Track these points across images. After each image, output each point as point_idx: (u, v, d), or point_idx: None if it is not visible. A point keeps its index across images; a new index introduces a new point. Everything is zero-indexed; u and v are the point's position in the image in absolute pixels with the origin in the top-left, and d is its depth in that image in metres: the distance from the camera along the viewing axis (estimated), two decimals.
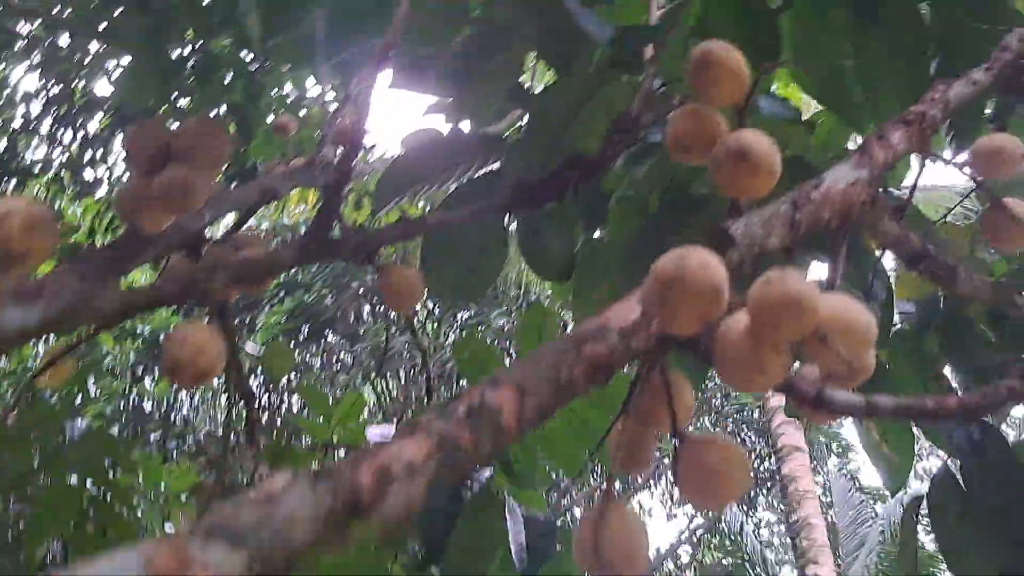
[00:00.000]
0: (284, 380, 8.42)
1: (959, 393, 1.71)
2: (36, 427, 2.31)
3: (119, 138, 5.83)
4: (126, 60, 4.16)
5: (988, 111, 1.71)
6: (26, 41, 4.97)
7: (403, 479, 0.50)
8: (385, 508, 0.48)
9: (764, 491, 12.22)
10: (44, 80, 5.38)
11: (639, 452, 0.88)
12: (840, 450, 12.81)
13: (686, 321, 0.66)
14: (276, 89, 4.29)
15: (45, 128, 5.58)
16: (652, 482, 12.83)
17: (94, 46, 5.20)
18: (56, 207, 6.14)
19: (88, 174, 5.69)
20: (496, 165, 1.59)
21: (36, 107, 5.55)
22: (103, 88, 5.49)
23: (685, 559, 13.07)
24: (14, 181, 5.41)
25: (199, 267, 1.07)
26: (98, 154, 5.67)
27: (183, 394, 8.45)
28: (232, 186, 3.43)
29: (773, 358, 0.68)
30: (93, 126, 5.61)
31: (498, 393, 0.59)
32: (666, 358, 0.79)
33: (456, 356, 2.05)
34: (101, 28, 3.44)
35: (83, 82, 5.42)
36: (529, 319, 1.85)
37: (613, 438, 0.88)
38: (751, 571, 9.36)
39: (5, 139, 5.56)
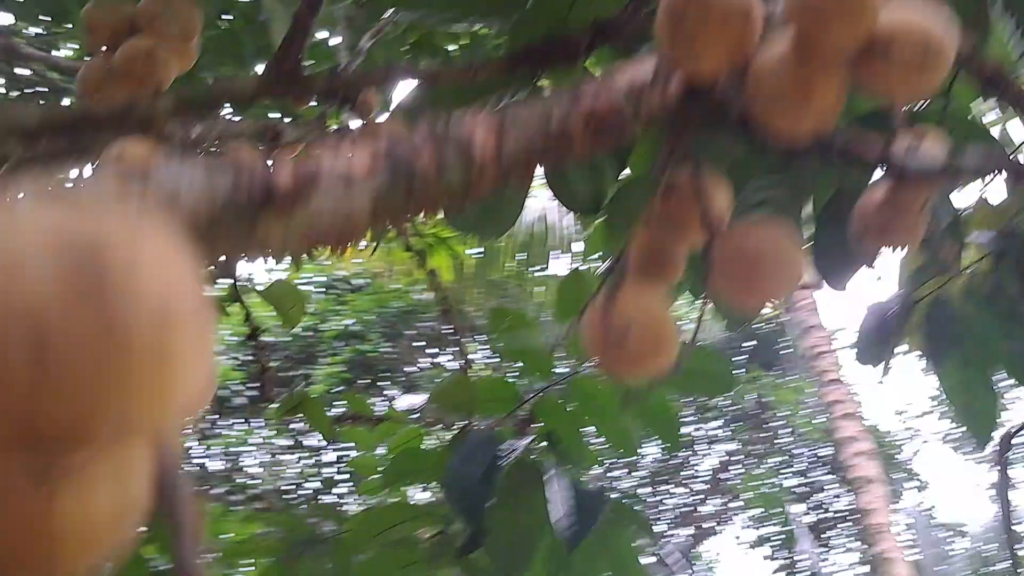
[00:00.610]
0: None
1: None
2: None
3: None
4: None
5: None
6: None
7: (334, 186, 0.44)
8: (311, 212, 0.42)
9: (839, 528, 11.82)
10: None
11: (664, 260, 0.73)
12: (917, 484, 12.38)
13: (709, 54, 0.52)
14: None
15: None
16: (721, 527, 12.54)
17: None
18: None
19: None
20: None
21: None
22: None
23: None
24: None
25: (142, 91, 0.94)
26: None
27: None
28: None
29: (822, 79, 0.53)
30: None
31: (468, 123, 0.50)
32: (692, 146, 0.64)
33: (493, 326, 1.93)
34: None
35: None
36: (567, 285, 1.70)
37: (634, 244, 0.73)
38: None
39: None
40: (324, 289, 9.67)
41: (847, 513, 11.05)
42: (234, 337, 9.62)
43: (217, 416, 8.25)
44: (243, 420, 8.38)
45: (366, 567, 1.54)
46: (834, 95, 0.54)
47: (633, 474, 12.19)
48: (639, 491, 11.95)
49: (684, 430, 12.05)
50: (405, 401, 8.28)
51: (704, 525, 12.55)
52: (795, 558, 11.12)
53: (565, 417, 1.59)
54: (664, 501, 12.25)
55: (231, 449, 8.26)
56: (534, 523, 1.41)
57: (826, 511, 11.58)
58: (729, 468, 12.22)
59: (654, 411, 1.60)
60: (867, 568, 9.40)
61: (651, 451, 12.22)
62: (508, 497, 1.42)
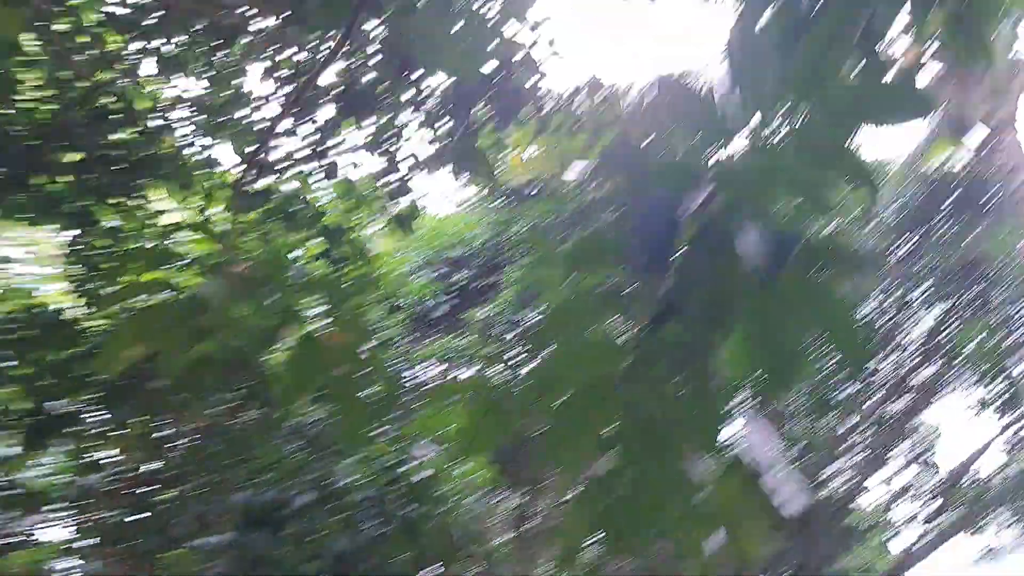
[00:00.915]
0: None
1: None
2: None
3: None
4: None
5: None
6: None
7: None
8: None
9: None
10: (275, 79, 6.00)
11: None
12: None
13: None
14: None
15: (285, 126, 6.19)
16: (939, 393, 12.03)
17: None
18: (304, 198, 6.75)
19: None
20: None
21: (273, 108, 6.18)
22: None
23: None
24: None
25: None
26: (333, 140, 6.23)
27: None
28: None
29: None
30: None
31: None
32: None
33: None
34: None
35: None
36: None
37: None
38: None
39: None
40: (502, 199, 10.00)
41: None
42: (426, 254, 10.19)
43: (420, 329, 8.77)
44: (444, 331, 8.87)
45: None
46: None
47: None
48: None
49: (894, 294, 11.58)
50: None
51: (921, 393, 12.07)
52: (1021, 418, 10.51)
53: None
54: (876, 372, 11.86)
55: (436, 358, 8.75)
56: (728, 279, 1.43)
57: None
58: (944, 330, 11.63)
59: None
60: None
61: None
62: (697, 255, 1.45)
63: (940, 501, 12.19)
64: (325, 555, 5.47)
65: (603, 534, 2.08)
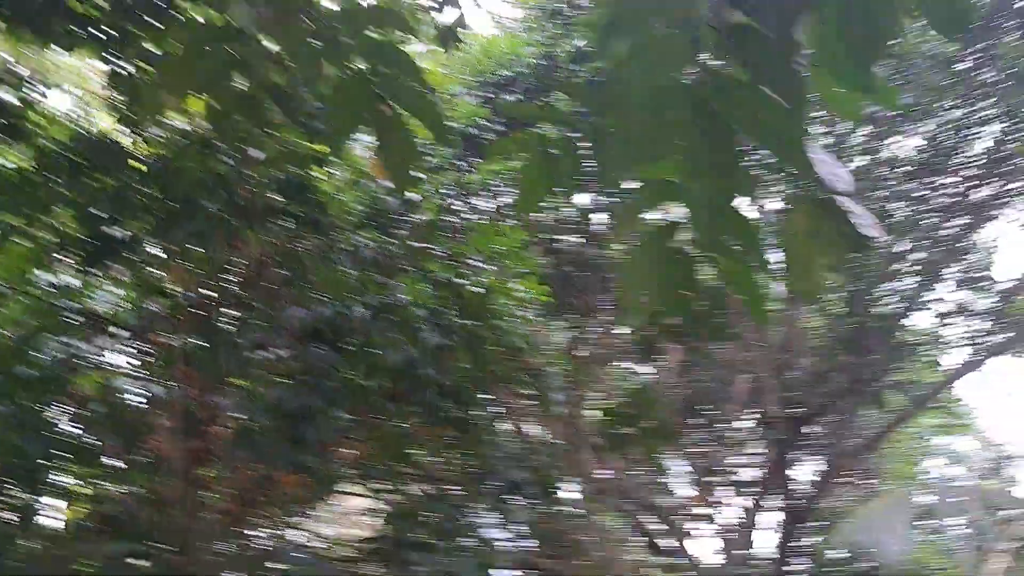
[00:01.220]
0: None
1: None
2: None
3: None
4: None
5: None
6: None
7: None
8: None
9: None
10: None
11: None
12: None
13: None
14: None
15: None
16: (998, 211, 11.74)
17: None
18: None
19: None
20: None
21: None
22: None
23: None
24: None
25: None
26: None
27: None
28: None
29: None
30: None
31: None
32: None
33: None
34: None
35: None
36: None
37: None
38: None
39: None
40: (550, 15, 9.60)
41: None
42: (474, 76, 9.92)
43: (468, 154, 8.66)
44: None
45: None
46: None
47: (895, 170, 11.55)
48: (904, 187, 11.32)
49: (950, 114, 11.14)
50: None
51: (979, 212, 11.78)
52: None
53: None
54: (934, 191, 11.57)
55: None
56: None
57: None
58: (1004, 147, 11.20)
59: None
60: None
61: (913, 141, 11.46)
62: None
63: (991, 319, 12.16)
64: (383, 368, 5.62)
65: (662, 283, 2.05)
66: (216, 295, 6.35)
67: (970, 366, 12.13)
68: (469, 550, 6.85)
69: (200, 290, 6.41)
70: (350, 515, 9.52)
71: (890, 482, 12.49)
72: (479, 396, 6.30)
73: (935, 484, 9.59)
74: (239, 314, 6.18)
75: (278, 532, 6.87)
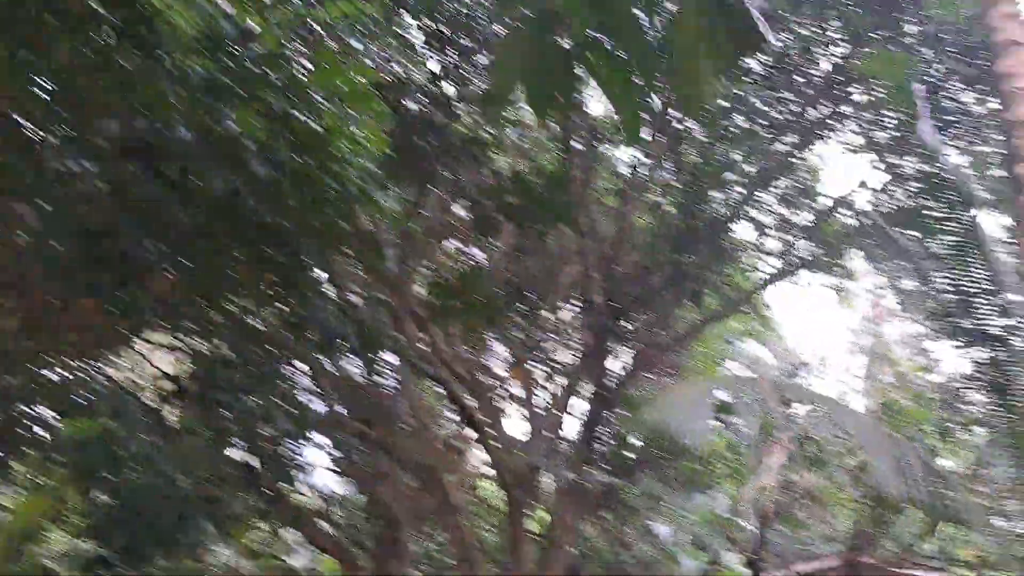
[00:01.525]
0: None
1: None
2: None
3: None
4: None
5: None
6: None
7: None
8: None
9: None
10: None
11: None
12: None
13: None
14: None
15: None
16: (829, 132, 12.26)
17: None
18: None
19: None
20: None
21: None
22: None
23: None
24: None
25: None
26: None
27: None
28: None
29: None
30: None
31: None
32: None
33: None
34: None
35: None
36: None
37: None
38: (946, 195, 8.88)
39: None
40: None
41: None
42: None
43: None
44: None
45: None
46: None
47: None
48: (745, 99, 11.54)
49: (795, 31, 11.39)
50: None
51: (811, 132, 12.28)
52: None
53: None
54: (772, 106, 11.90)
55: None
56: None
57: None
58: (843, 71, 11.64)
59: None
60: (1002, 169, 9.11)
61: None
62: None
63: (807, 236, 12.87)
64: (203, 197, 5.16)
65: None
66: (17, 98, 5.61)
67: (781, 276, 12.85)
68: (281, 403, 6.64)
69: None
70: (158, 355, 9.05)
71: (694, 377, 13.25)
72: (306, 243, 5.94)
73: (734, 381, 10.20)
74: (44, 119, 5.49)
75: (80, 366, 6.37)
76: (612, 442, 12.10)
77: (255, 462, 8.75)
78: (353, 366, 11.48)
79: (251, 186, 5.08)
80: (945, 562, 15.53)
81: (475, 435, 12.32)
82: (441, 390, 12.10)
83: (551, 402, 12.49)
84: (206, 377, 6.16)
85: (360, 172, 5.94)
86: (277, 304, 6.54)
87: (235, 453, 9.04)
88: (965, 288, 8.55)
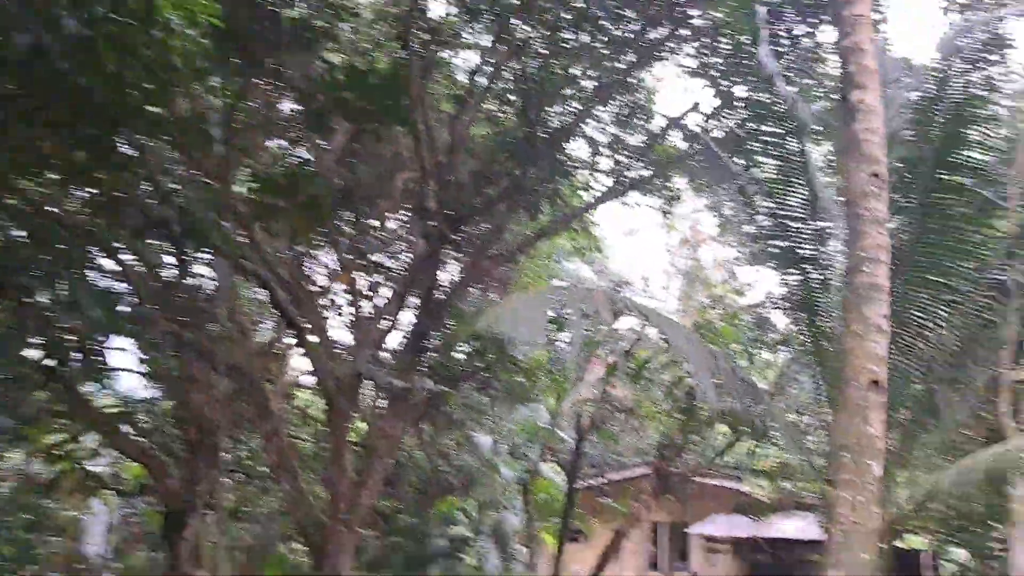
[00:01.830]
0: None
1: None
2: None
3: None
4: None
5: None
6: None
7: None
8: None
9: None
10: None
11: None
12: None
13: None
14: None
15: None
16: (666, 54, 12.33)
17: None
18: None
19: None
20: None
21: None
22: None
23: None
24: None
25: None
26: None
27: None
28: None
29: None
30: None
31: None
32: None
33: None
34: None
35: None
36: None
37: None
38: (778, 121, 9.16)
39: None
40: None
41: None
42: None
43: None
44: None
45: None
46: None
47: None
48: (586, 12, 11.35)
49: None
50: None
51: (651, 52, 12.30)
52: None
53: None
54: (613, 23, 11.79)
55: None
56: None
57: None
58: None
59: None
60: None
61: None
62: None
63: (639, 156, 13.03)
64: (6, 55, 4.42)
65: None
66: None
67: (611, 196, 12.99)
68: (85, 297, 6.00)
69: None
70: None
71: (523, 289, 13.29)
72: (123, 116, 5.27)
73: (570, 293, 10.26)
74: None
75: None
76: (438, 353, 12.00)
77: (54, 360, 8.02)
78: (167, 262, 10.72)
79: (61, 44, 4.39)
80: (745, 472, 16.74)
81: (296, 341, 11.90)
82: (263, 293, 11.55)
83: (378, 311, 12.19)
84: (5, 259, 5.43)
85: (186, 42, 5.31)
86: (87, 186, 5.83)
87: (33, 352, 8.30)
88: (784, 213, 8.91)
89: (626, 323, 8.69)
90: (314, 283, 12.82)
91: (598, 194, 13.23)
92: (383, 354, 11.89)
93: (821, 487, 16.68)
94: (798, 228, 8.78)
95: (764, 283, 17.41)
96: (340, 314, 13.20)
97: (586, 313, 7.03)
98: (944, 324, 8.44)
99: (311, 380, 13.39)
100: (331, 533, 10.34)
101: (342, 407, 10.86)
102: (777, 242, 9.08)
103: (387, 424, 11.28)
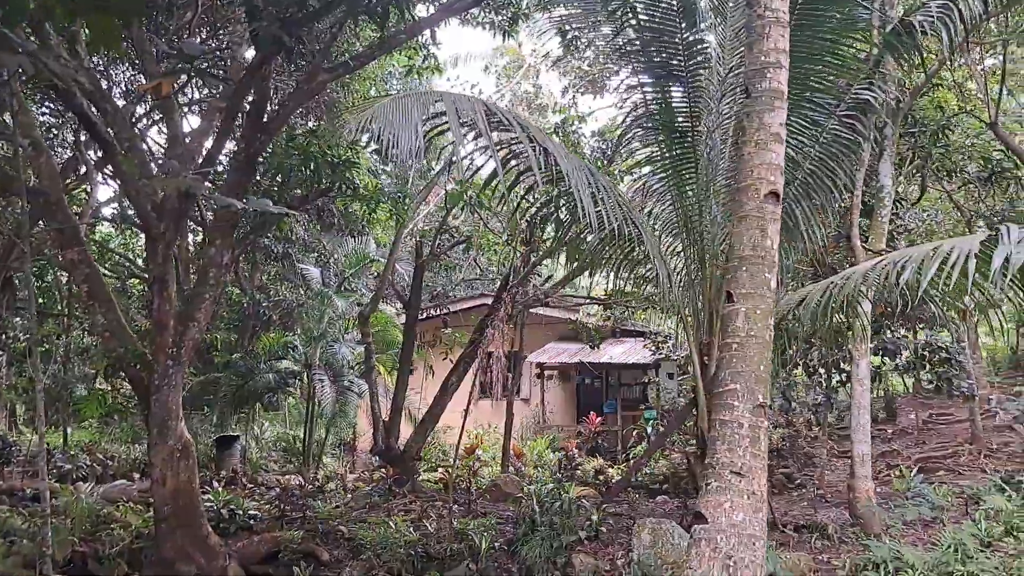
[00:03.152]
0: None
1: None
2: None
3: None
4: None
5: None
6: None
7: None
8: None
9: None
10: None
11: None
12: None
13: None
14: None
15: None
16: None
17: None
18: None
19: None
20: None
21: None
22: None
23: None
24: None
25: None
26: None
27: None
28: None
29: None
30: None
31: None
32: None
33: None
34: None
35: None
36: None
37: None
38: None
39: None
40: None
41: None
42: None
43: None
44: None
45: None
46: None
47: None
48: None
49: None
50: None
51: None
52: None
53: None
54: None
55: None
56: None
57: None
58: None
59: None
60: None
61: None
62: None
63: None
64: None
65: None
66: None
67: (454, 8, 11.98)
68: None
69: None
70: None
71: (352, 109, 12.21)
72: None
73: (439, 96, 9.39)
74: None
75: None
76: (270, 176, 10.94)
77: None
78: None
79: None
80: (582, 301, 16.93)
81: (104, 159, 10.43)
82: (60, 104, 9.94)
83: (201, 126, 10.86)
84: None
85: None
86: None
87: None
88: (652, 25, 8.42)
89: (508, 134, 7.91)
90: (124, 90, 11.22)
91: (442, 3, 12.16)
92: (208, 171, 10.64)
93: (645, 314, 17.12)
94: (666, 41, 8.34)
95: (607, 110, 16.99)
96: (158, 128, 11.72)
97: (465, 122, 6.32)
98: (809, 143, 8.42)
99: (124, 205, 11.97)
100: (155, 367, 9.42)
101: (162, 232, 9.69)
102: (642, 58, 8.62)
103: (213, 251, 10.26)
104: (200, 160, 10.60)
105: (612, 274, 8.91)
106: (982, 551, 5.83)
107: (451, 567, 9.70)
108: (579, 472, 14.36)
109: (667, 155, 8.84)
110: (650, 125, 8.85)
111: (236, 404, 16.62)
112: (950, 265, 5.48)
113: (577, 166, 6.82)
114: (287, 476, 15.98)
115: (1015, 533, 6.42)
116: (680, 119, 8.52)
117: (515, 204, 8.61)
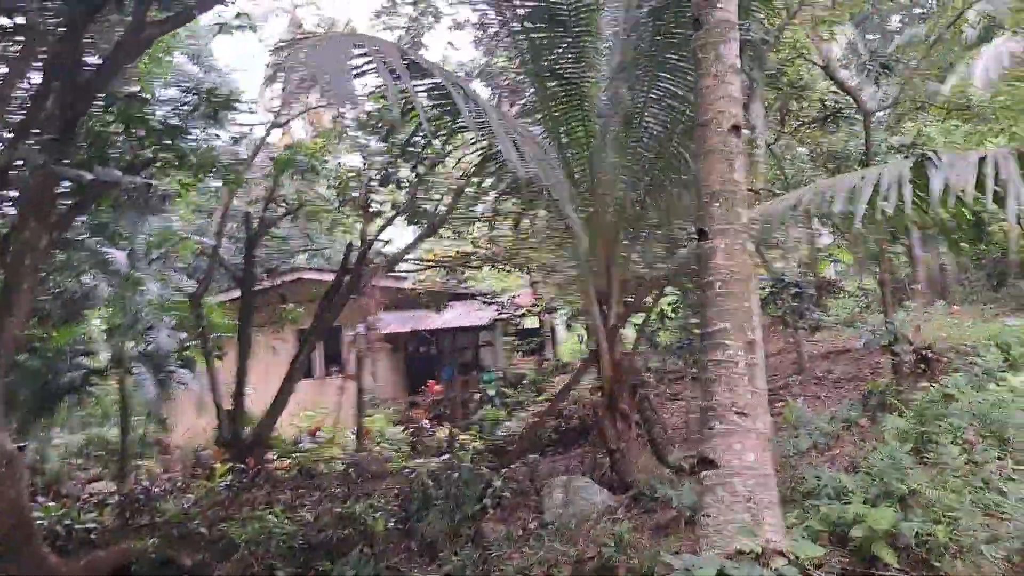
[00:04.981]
0: None
1: None
2: None
3: None
4: None
5: None
6: None
7: None
8: None
9: None
10: None
11: None
12: None
13: None
14: None
15: None
16: None
17: None
18: None
19: None
20: None
21: None
22: None
23: None
24: None
25: None
26: None
27: None
28: None
29: None
30: None
31: None
32: None
33: None
34: None
35: None
36: None
37: None
38: None
39: None
40: None
41: None
42: None
43: None
44: None
45: None
46: None
47: None
48: None
49: None
50: None
51: None
52: None
53: None
54: None
55: None
56: None
57: None
58: None
59: None
60: None
61: None
62: None
63: None
64: None
65: None
66: None
67: None
68: None
69: None
70: None
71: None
72: None
73: (362, 40, 8.43)
74: None
75: None
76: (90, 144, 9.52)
77: None
78: None
79: None
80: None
81: None
82: None
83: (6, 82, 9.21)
84: None
85: None
86: None
87: None
88: None
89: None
90: None
91: None
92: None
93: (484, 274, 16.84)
94: None
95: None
96: None
97: (390, 68, 5.69)
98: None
99: None
100: None
101: None
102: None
103: (28, 233, 8.85)
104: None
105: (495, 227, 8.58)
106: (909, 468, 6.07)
107: (343, 553, 9.05)
108: (433, 442, 14.00)
109: (550, 103, 8.57)
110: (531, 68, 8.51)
111: (34, 409, 14.71)
112: (884, 192, 5.63)
113: (494, 113, 6.40)
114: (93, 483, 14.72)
115: (924, 449, 6.77)
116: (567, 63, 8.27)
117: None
